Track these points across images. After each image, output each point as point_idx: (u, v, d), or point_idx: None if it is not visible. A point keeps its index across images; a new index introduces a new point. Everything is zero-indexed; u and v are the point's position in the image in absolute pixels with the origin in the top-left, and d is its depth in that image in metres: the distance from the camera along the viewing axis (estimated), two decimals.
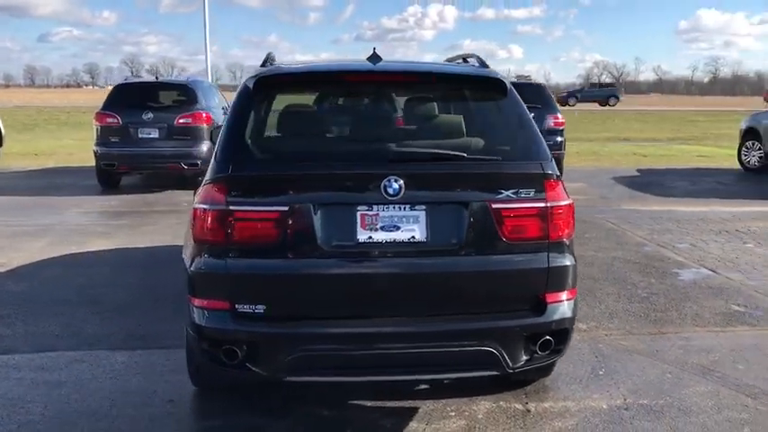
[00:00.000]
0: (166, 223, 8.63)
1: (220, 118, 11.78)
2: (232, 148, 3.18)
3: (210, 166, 3.24)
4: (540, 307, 3.15)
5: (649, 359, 4.34)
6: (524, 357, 3.16)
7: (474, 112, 3.43)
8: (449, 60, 4.35)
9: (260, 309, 3.05)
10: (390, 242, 3.05)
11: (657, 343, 4.62)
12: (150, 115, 10.89)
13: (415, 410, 3.65)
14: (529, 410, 3.66)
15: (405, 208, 3.05)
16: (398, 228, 3.06)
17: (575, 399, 3.77)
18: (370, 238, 3.05)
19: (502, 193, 3.11)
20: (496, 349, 3.07)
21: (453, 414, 3.61)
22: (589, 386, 3.94)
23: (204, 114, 11.09)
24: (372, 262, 3.05)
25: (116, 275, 6.21)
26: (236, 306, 3.05)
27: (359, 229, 3.04)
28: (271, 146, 3.34)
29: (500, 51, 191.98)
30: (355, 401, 3.73)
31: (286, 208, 3.02)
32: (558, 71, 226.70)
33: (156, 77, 13.12)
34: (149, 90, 11.83)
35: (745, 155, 14.46)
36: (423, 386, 3.87)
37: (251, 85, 3.33)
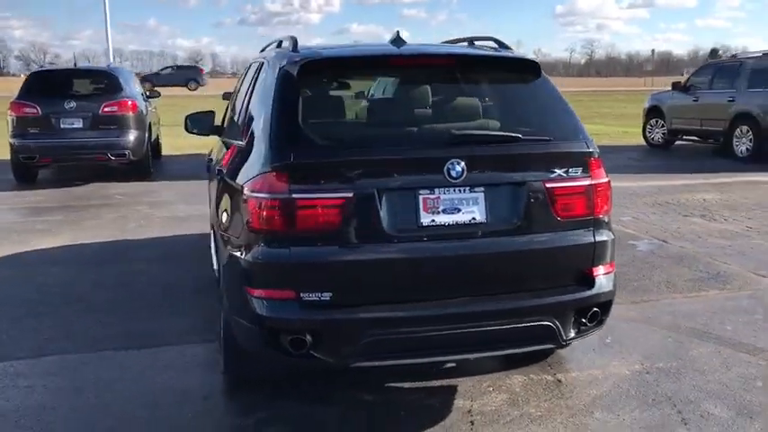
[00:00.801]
0: (108, 218, 8.27)
1: (144, 106, 11.30)
2: (287, 134, 3.11)
3: (258, 154, 3.16)
4: (589, 281, 3.29)
5: (646, 325, 4.61)
6: (574, 330, 3.29)
7: (516, 94, 3.51)
8: (449, 43, 4.40)
9: (326, 296, 3.02)
10: (452, 224, 3.10)
11: (647, 311, 4.91)
12: (73, 104, 10.30)
13: (453, 389, 3.72)
14: (560, 381, 3.81)
15: (465, 190, 3.10)
16: (459, 210, 3.10)
17: (597, 367, 3.96)
18: (433, 221, 3.08)
19: (554, 172, 3.21)
20: (554, 323, 3.19)
21: (492, 389, 3.72)
22: (604, 354, 4.15)
23: (130, 102, 10.60)
24: (436, 244, 3.09)
25: (83, 273, 5.90)
26: (302, 295, 3.01)
27: (421, 212, 3.07)
28: (327, 132, 3.28)
29: (387, 35, 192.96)
30: (394, 384, 3.76)
31: (350, 194, 2.99)
32: None
33: (75, 64, 12.40)
34: (68, 77, 11.17)
35: (650, 132, 15.40)
36: (449, 365, 3.96)
37: (294, 70, 3.26)
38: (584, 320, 3.30)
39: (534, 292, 3.20)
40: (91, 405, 3.56)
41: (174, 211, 8.62)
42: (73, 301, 5.16)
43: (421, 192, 3.07)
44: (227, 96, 13.95)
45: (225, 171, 3.82)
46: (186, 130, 5.59)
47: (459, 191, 3.10)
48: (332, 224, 3.00)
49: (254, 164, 3.20)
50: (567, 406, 3.54)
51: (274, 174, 3.01)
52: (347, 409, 3.53)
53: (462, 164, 3.04)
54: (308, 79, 3.32)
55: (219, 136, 5.38)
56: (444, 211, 3.08)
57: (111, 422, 3.40)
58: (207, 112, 5.48)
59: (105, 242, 7.11)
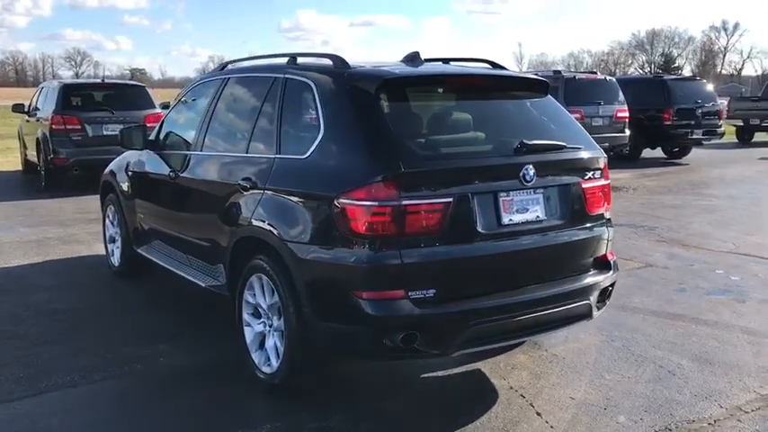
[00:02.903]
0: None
1: None
2: (389, 147, 3.34)
3: (358, 165, 3.36)
4: (608, 265, 3.98)
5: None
6: (596, 307, 3.94)
7: (542, 109, 4.05)
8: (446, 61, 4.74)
9: (431, 293, 3.31)
10: (524, 222, 3.58)
11: None
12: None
13: (477, 371, 4.18)
14: (555, 355, 4.45)
15: (530, 192, 3.61)
16: (527, 209, 3.59)
17: (571, 341, 4.66)
18: (511, 220, 3.53)
19: (586, 174, 3.85)
20: (591, 302, 3.82)
21: (511, 368, 4.24)
22: (567, 331, 4.88)
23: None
24: (516, 240, 3.55)
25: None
26: (410, 293, 3.27)
27: (502, 213, 3.51)
28: (421, 143, 3.54)
29: (107, 42, 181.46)
30: (425, 375, 4.11)
31: (451, 199, 3.33)
32: (172, 65, 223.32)
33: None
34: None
35: None
36: None
37: (373, 88, 3.51)
38: (603, 298, 3.97)
39: (577, 276, 3.80)
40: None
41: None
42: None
43: (501, 195, 3.50)
44: (17, 108, 12.76)
45: (258, 183, 3.87)
46: (122, 144, 5.38)
47: (527, 193, 3.59)
48: (435, 226, 3.31)
49: (347, 174, 3.37)
50: (579, 372, 4.19)
51: (383, 183, 3.23)
52: (408, 400, 3.83)
53: (534, 169, 3.54)
54: (387, 95, 3.57)
55: (154, 150, 5.29)
56: (518, 211, 3.56)
57: None
58: (139, 126, 5.39)
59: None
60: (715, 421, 3.58)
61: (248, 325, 4.04)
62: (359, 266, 3.28)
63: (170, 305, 5.45)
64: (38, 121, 11.74)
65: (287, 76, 4.06)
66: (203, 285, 4.53)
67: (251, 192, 3.93)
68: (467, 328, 3.37)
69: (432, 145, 3.63)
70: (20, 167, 13.95)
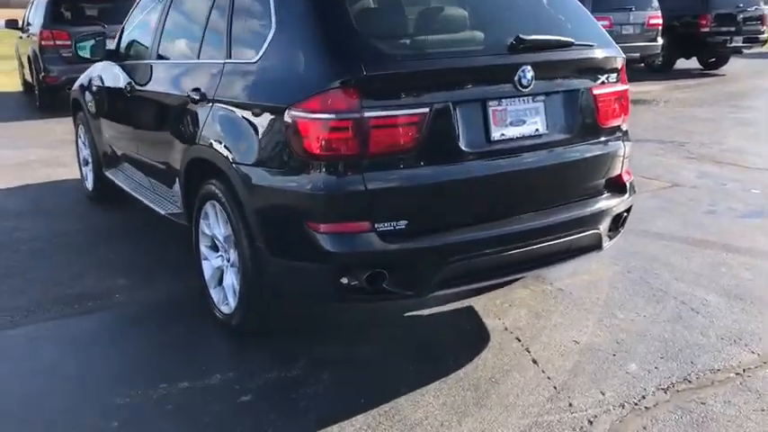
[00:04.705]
0: None
1: None
2: (351, 45, 2.71)
3: (312, 68, 2.74)
4: (622, 187, 3.36)
5: None
6: (608, 236, 3.35)
7: (546, 1, 3.36)
8: None
9: (402, 224, 2.75)
10: (519, 137, 2.96)
11: None
12: None
13: (469, 309, 3.66)
14: (561, 289, 3.90)
15: (528, 100, 2.97)
16: (524, 122, 2.97)
17: (581, 273, 4.09)
18: (503, 135, 2.92)
19: (599, 78, 3.19)
20: (600, 230, 3.22)
21: (508, 305, 3.70)
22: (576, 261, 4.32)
23: None
24: (509, 159, 2.94)
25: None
26: (376, 225, 2.71)
27: (492, 126, 2.89)
28: (392, 40, 2.89)
29: None
30: (415, 313, 3.60)
31: (426, 110, 2.72)
32: None
33: None
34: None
35: None
36: None
37: None
38: (616, 226, 3.38)
39: (585, 201, 3.20)
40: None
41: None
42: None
43: (490, 104, 2.88)
44: (10, 25, 12.15)
45: (207, 94, 3.29)
46: (77, 55, 4.79)
47: (524, 101, 2.96)
48: (407, 144, 2.72)
49: (299, 81, 2.77)
50: (587, 309, 3.64)
51: (341, 90, 2.62)
52: (387, 342, 3.33)
53: (532, 72, 2.89)
54: None
55: (116, 61, 4.70)
56: (512, 124, 2.94)
57: None
58: (95, 34, 4.76)
59: None
60: (744, 371, 3.03)
61: (206, 259, 3.54)
62: (314, 194, 2.71)
63: (144, 235, 4.95)
64: (29, 37, 11.12)
65: None
66: (163, 213, 4.03)
67: (200, 104, 3.36)
68: (446, 264, 2.81)
69: (403, 42, 2.95)
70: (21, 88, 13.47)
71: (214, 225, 3.37)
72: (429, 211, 2.81)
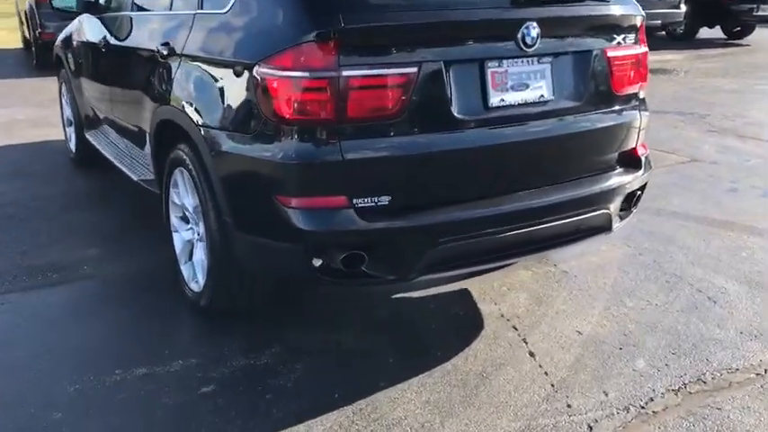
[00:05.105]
0: None
1: None
2: None
3: (277, 20, 2.40)
4: (637, 162, 3.01)
5: None
6: (619, 216, 3.02)
7: None
8: None
9: (384, 200, 2.42)
10: (522, 104, 2.61)
11: None
12: None
13: (463, 292, 3.35)
14: (565, 272, 3.57)
15: (532, 61, 2.61)
16: (527, 86, 2.62)
17: (587, 254, 3.76)
18: (503, 100, 2.56)
19: (614, 39, 2.83)
20: (611, 210, 2.89)
21: (507, 289, 3.39)
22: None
23: None
24: (509, 128, 2.59)
25: None
26: (354, 201, 2.38)
27: (490, 90, 2.53)
28: None
29: None
30: (403, 295, 3.29)
31: (414, 69, 2.37)
32: None
33: None
34: None
35: None
36: None
37: None
38: (628, 205, 3.04)
39: (594, 178, 2.85)
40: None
41: None
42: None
43: (489, 64, 2.52)
44: None
45: (176, 48, 2.96)
46: (52, 7, 4.46)
47: (528, 62, 2.60)
48: (391, 108, 2.37)
49: (270, 33, 2.43)
50: (593, 296, 3.32)
51: (316, 44, 2.28)
52: (375, 328, 3.02)
53: (538, 29, 2.53)
54: None
55: (95, 13, 4.36)
56: (513, 88, 2.58)
57: None
58: None
59: None
60: (766, 371, 2.70)
61: (176, 231, 3.24)
62: (284, 163, 2.38)
63: (124, 202, 4.63)
64: None
65: None
66: (135, 179, 3.72)
67: (168, 59, 3.02)
68: (434, 246, 2.48)
69: None
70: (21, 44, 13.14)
71: (183, 194, 3.07)
72: (415, 186, 2.48)
